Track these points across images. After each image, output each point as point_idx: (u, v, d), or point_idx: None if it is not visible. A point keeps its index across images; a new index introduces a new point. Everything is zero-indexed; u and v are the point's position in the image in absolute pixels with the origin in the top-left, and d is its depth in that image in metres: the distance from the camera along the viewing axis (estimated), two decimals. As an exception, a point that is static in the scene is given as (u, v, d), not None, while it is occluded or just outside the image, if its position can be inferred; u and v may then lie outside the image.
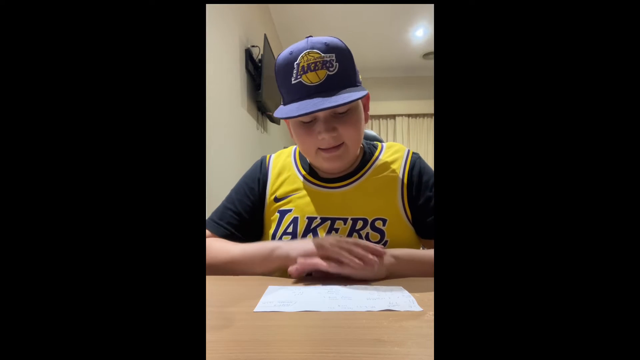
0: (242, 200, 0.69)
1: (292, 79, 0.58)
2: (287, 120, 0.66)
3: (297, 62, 0.57)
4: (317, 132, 0.59)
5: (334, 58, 0.57)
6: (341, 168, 0.66)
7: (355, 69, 0.62)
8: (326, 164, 0.64)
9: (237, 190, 0.72)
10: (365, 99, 0.66)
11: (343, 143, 0.61)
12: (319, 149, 0.62)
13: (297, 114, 0.55)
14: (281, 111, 0.60)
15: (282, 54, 0.60)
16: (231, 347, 0.30)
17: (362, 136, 0.66)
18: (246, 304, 0.41)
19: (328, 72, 0.57)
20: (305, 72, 0.57)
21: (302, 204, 0.65)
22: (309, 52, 0.57)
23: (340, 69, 0.58)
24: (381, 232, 0.62)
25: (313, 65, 0.57)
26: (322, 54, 0.57)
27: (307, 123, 0.61)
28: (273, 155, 0.75)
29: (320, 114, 0.59)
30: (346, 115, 0.60)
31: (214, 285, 0.50)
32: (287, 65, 0.58)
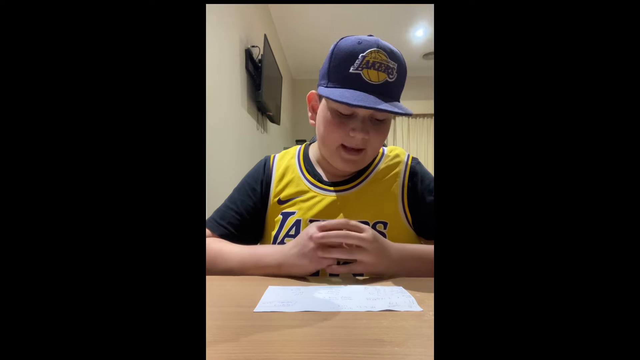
0: (244, 201, 0.69)
1: (352, 68, 0.57)
2: (315, 101, 0.65)
3: (363, 54, 0.56)
4: (351, 129, 0.59)
5: (396, 67, 0.58)
6: (353, 171, 0.67)
7: (403, 87, 0.62)
8: (342, 164, 0.63)
9: (239, 190, 0.72)
10: None
11: (365, 149, 0.61)
12: (342, 145, 0.61)
13: (356, 103, 0.54)
14: (332, 92, 0.57)
15: (349, 39, 0.59)
16: (231, 347, 0.30)
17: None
18: (246, 304, 0.41)
19: (388, 79, 0.57)
20: (368, 67, 0.56)
21: (305, 207, 0.65)
22: (378, 51, 0.56)
23: (396, 80, 0.58)
24: (382, 235, 0.62)
25: (379, 64, 0.56)
26: (388, 59, 0.57)
27: (345, 115, 0.60)
28: (277, 156, 0.74)
29: (362, 113, 0.59)
30: (382, 124, 0.61)
31: (214, 285, 0.50)
32: (352, 53, 0.57)
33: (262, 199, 0.69)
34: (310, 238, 0.52)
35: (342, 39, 0.60)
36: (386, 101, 0.56)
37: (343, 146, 0.62)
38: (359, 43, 0.57)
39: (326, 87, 0.60)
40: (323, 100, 0.63)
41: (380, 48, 0.57)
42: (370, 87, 0.56)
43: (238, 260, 0.58)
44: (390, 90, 0.57)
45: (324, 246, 0.52)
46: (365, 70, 0.56)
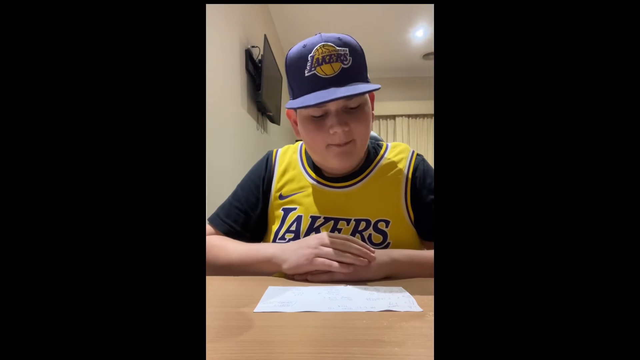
0: (248, 198, 0.69)
1: (306, 72, 0.57)
2: (294, 116, 0.65)
3: (311, 54, 0.57)
4: (329, 127, 0.59)
5: (347, 52, 0.58)
6: (350, 166, 0.65)
7: (366, 66, 0.62)
8: (336, 161, 0.63)
9: (243, 186, 0.72)
10: (372, 96, 0.66)
11: (353, 140, 0.61)
12: (330, 144, 0.61)
13: (314, 103, 0.55)
14: (294, 103, 0.59)
15: (295, 47, 0.60)
16: (231, 347, 0.30)
17: (370, 134, 0.66)
18: (246, 304, 0.41)
19: (342, 65, 0.57)
20: (320, 64, 0.57)
21: (306, 203, 0.65)
22: (323, 45, 0.57)
23: (353, 63, 0.58)
24: (384, 234, 0.62)
25: (328, 57, 0.57)
26: (337, 47, 0.57)
27: (317, 118, 0.60)
28: (280, 151, 0.74)
29: (333, 107, 0.59)
30: (358, 110, 0.60)
31: (214, 285, 0.50)
32: (300, 58, 0.58)
33: (265, 195, 0.69)
34: (316, 238, 0.54)
35: (289, 51, 0.61)
36: (346, 87, 0.56)
37: (330, 145, 0.61)
38: (304, 46, 0.58)
39: (293, 99, 0.61)
40: (298, 112, 0.64)
41: (325, 41, 0.57)
42: (327, 81, 0.57)
43: (238, 254, 0.60)
44: (349, 76, 0.58)
45: (323, 254, 0.52)
46: (318, 68, 0.57)
